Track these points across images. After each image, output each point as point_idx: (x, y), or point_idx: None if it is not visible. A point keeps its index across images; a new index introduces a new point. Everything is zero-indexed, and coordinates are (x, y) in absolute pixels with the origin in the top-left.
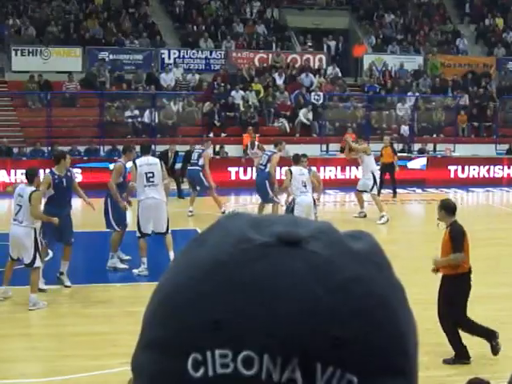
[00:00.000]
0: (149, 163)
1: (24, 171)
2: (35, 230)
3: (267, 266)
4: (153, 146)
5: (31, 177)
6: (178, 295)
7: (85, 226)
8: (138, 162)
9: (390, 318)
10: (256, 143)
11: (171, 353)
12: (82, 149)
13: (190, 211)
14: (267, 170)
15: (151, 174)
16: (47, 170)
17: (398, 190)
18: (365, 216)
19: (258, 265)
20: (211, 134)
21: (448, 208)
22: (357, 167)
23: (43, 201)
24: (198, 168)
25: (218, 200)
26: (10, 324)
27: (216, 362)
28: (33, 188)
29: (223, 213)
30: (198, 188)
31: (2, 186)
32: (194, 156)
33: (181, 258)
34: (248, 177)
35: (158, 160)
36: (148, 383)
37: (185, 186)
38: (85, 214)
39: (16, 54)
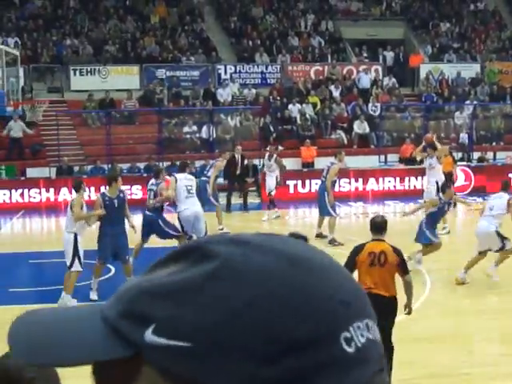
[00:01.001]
0: (187, 178)
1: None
2: (75, 235)
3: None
4: (211, 161)
5: (77, 187)
6: (309, 293)
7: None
8: (177, 176)
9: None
10: (274, 156)
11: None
12: (141, 165)
13: (220, 229)
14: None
15: (190, 187)
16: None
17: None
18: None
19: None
20: (268, 148)
21: (370, 225)
22: (416, 177)
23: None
24: (205, 179)
25: (219, 217)
26: None
27: (358, 333)
28: (75, 196)
29: (221, 229)
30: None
31: (64, 205)
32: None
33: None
34: (307, 190)
35: (193, 177)
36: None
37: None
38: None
39: (75, 74)
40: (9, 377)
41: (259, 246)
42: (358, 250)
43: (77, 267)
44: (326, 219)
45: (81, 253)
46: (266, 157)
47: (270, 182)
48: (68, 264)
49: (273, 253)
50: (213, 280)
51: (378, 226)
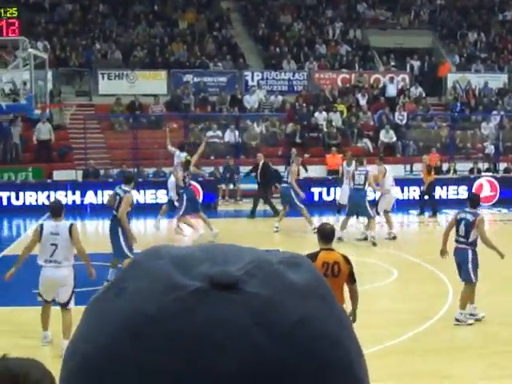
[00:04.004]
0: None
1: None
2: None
3: (203, 317)
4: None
5: (59, 211)
6: (102, 360)
7: None
8: None
9: (343, 359)
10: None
11: None
12: (166, 170)
13: (276, 227)
14: (366, 188)
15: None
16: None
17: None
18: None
19: (193, 317)
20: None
21: (318, 233)
22: (442, 186)
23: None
24: (286, 185)
25: (309, 219)
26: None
27: None
28: (68, 222)
29: (314, 229)
30: (287, 206)
31: (89, 207)
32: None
33: (96, 312)
34: (331, 197)
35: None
36: None
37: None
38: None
39: (103, 78)
40: (15, 379)
41: None
42: (310, 259)
43: (72, 304)
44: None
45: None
46: (345, 164)
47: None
48: (66, 299)
49: None
50: None
51: (328, 235)
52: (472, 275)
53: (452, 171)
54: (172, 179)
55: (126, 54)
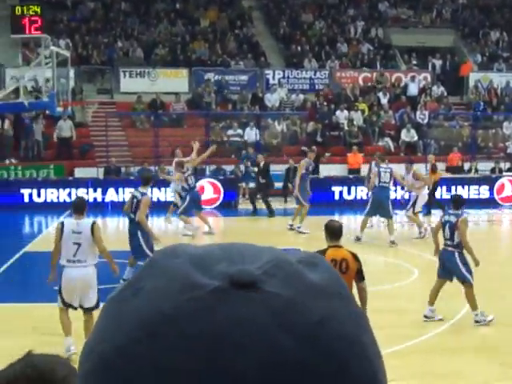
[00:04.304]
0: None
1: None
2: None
3: (223, 316)
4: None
5: (82, 208)
6: (119, 359)
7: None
8: None
9: (363, 360)
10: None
11: None
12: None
13: (290, 225)
14: (391, 186)
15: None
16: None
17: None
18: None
19: (213, 316)
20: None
21: (326, 230)
22: (463, 186)
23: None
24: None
25: (303, 215)
26: None
27: None
28: (90, 220)
29: (298, 228)
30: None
31: (110, 205)
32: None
33: (113, 311)
34: (352, 196)
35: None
36: None
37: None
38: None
39: (124, 76)
40: (41, 376)
41: None
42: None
43: (100, 305)
44: (375, 221)
45: None
46: (373, 164)
47: None
48: (95, 303)
49: None
50: None
51: (336, 232)
52: (468, 277)
53: (473, 171)
54: (173, 186)
55: (147, 51)
